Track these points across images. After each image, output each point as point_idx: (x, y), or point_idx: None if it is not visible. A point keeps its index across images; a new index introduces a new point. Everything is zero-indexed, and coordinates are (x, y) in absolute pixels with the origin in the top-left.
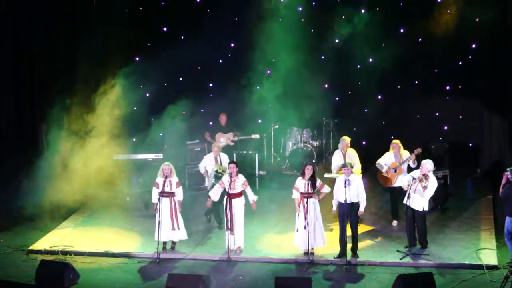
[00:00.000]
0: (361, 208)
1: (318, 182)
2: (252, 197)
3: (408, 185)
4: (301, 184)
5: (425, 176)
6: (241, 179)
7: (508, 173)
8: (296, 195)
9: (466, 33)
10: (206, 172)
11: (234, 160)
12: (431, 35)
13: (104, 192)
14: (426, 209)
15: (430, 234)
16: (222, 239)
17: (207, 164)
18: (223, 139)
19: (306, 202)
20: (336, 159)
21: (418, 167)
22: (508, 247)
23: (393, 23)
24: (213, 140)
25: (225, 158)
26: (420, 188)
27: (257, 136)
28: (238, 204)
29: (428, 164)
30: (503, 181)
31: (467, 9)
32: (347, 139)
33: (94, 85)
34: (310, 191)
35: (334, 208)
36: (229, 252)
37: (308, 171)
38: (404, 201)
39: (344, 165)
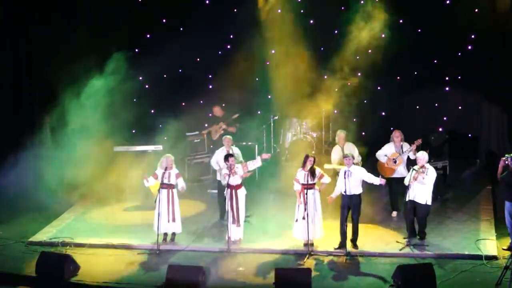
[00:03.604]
0: (378, 181)
1: (318, 172)
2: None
3: (410, 179)
4: (301, 175)
5: (423, 166)
6: (239, 168)
7: (508, 159)
8: (297, 187)
9: (465, 23)
10: (220, 168)
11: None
12: (430, 26)
13: (103, 183)
14: (429, 202)
15: (429, 225)
16: (222, 230)
17: (219, 159)
18: (215, 133)
19: (306, 193)
20: (335, 154)
21: None
22: (508, 230)
23: (392, 14)
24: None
25: (237, 152)
26: (420, 178)
27: (237, 115)
28: (240, 195)
29: (421, 155)
30: (500, 167)
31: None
32: (342, 132)
33: (94, 77)
34: (310, 182)
35: (332, 195)
36: (229, 243)
37: (310, 162)
38: (406, 198)
39: (345, 156)
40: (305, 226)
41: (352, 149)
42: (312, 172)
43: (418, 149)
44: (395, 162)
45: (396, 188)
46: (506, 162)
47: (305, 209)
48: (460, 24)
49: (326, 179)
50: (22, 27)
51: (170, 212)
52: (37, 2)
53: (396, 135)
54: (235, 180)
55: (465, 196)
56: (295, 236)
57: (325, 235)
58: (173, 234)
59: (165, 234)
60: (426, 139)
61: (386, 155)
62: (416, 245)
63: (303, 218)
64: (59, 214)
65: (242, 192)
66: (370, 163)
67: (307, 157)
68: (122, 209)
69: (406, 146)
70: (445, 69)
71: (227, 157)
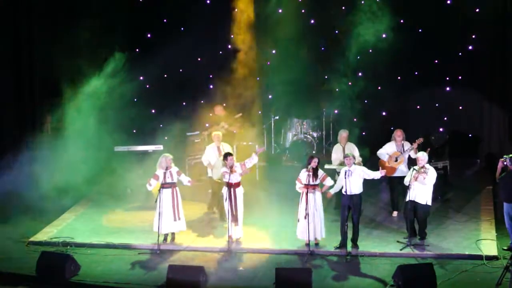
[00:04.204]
0: (378, 175)
1: (320, 173)
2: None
3: (410, 179)
4: (304, 176)
5: (423, 167)
6: (238, 167)
7: (507, 161)
8: (299, 187)
9: (467, 23)
10: (210, 164)
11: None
12: (431, 26)
13: (104, 183)
14: (429, 203)
15: (430, 225)
16: (222, 230)
17: (210, 155)
18: (216, 132)
19: (307, 193)
20: (336, 153)
21: None
22: (508, 232)
23: (393, 14)
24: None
25: (227, 148)
26: (421, 178)
27: (240, 114)
28: (239, 194)
29: (421, 156)
30: (499, 168)
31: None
32: (345, 132)
33: (94, 77)
34: (311, 183)
35: (331, 191)
36: (229, 243)
37: (314, 163)
38: (406, 199)
39: (346, 156)
40: (306, 226)
41: (352, 149)
42: (314, 173)
43: (419, 148)
44: (396, 160)
45: (397, 187)
46: (505, 163)
47: (305, 209)
48: (461, 24)
49: (329, 182)
50: (23, 28)
51: (176, 210)
52: (38, 2)
53: (398, 134)
54: (235, 178)
55: (466, 196)
56: (298, 236)
57: (325, 235)
58: (173, 234)
59: (166, 234)
60: (427, 138)
61: (387, 154)
62: (417, 245)
63: (304, 217)
64: (60, 214)
65: (240, 191)
66: (371, 163)
67: (311, 158)
68: (123, 209)
69: (407, 145)
70: (446, 69)
71: (226, 156)
